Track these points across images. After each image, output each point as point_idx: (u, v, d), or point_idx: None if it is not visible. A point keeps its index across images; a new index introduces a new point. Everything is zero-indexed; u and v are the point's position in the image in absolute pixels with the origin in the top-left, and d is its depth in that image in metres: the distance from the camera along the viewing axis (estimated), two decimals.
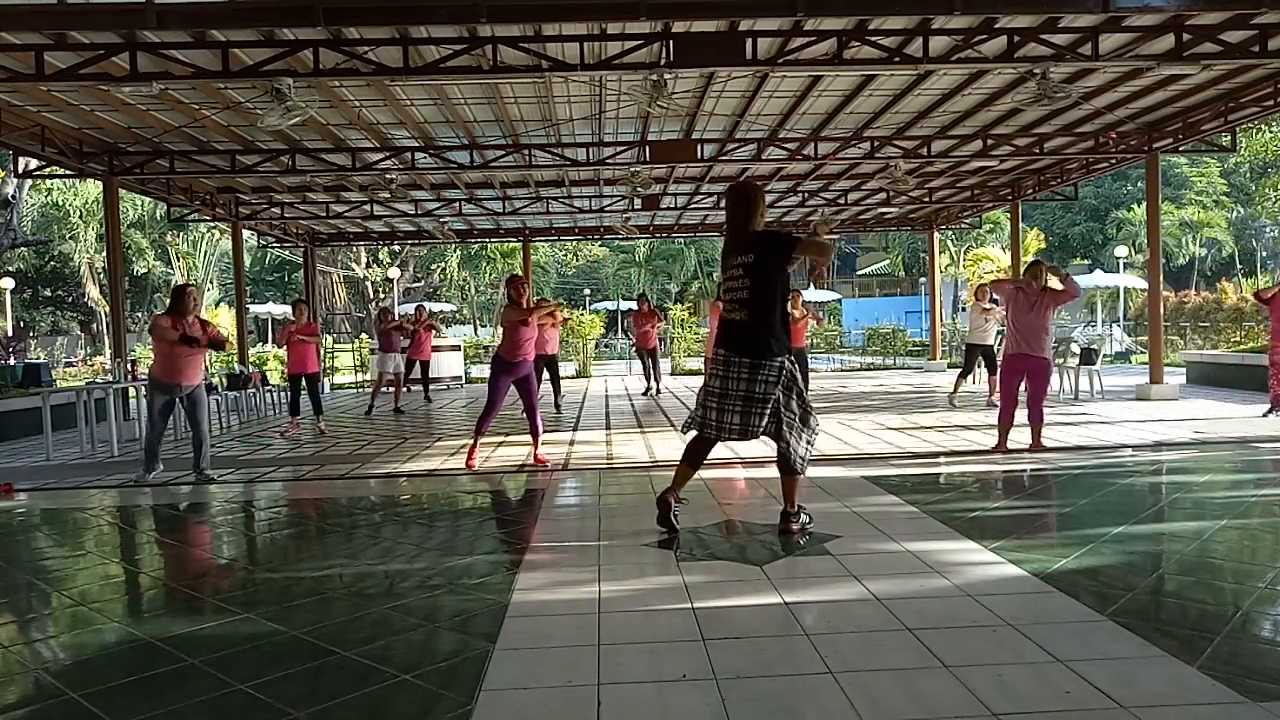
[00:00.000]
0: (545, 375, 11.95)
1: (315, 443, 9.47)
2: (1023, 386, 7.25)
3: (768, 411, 4.29)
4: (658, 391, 14.23)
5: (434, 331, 14.02)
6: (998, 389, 10.60)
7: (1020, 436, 7.36)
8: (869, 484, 5.87)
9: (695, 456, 4.61)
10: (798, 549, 4.24)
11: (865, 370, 20.84)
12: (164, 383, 7.08)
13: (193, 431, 7.29)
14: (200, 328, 7.15)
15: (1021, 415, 7.26)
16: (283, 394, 11.22)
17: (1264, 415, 9.23)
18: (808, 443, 4.41)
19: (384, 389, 13.41)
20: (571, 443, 8.85)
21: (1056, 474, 6.26)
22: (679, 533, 4.54)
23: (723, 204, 16.00)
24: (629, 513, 5.02)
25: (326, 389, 18.25)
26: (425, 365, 14.24)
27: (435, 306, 31.44)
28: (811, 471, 6.33)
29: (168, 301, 7.56)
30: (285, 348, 10.85)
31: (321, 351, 18.58)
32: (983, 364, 11.65)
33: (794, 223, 20.08)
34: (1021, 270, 8.18)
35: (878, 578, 3.70)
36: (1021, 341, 7.10)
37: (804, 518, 4.55)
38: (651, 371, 14.42)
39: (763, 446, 6.12)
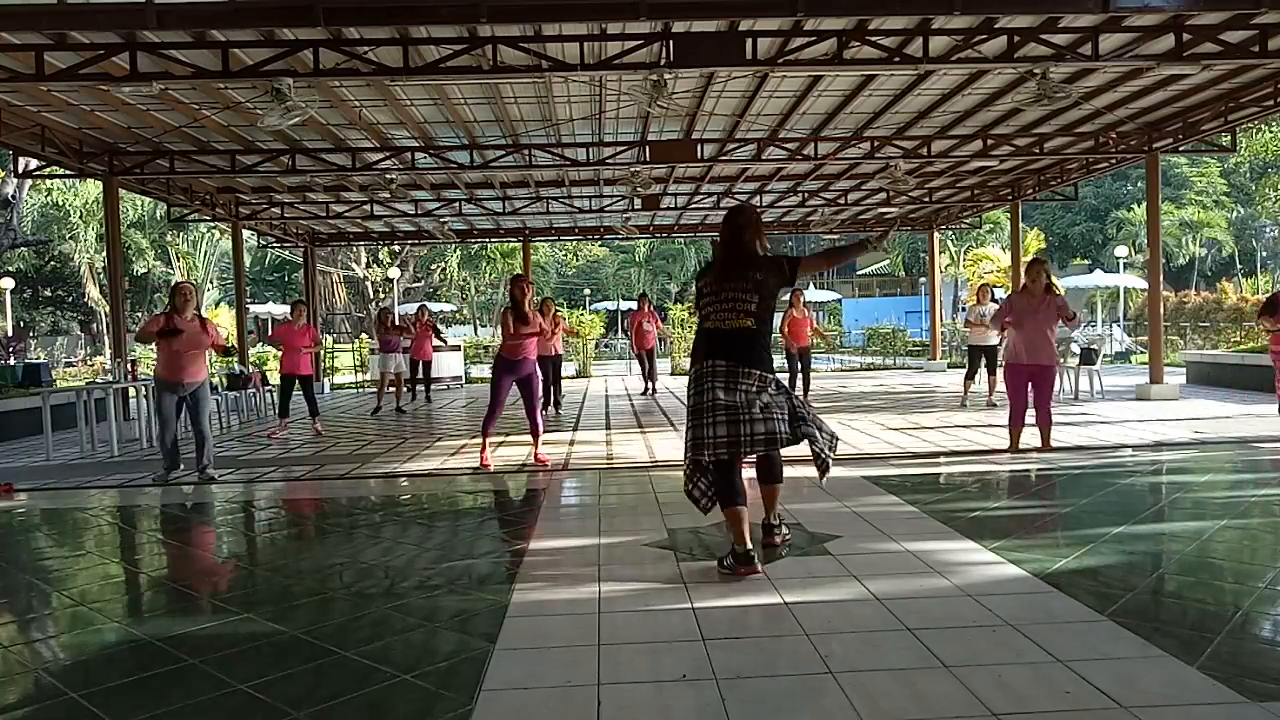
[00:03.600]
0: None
1: (315, 443, 9.47)
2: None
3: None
4: (654, 392, 14.25)
5: (434, 332, 13.99)
6: (997, 389, 10.61)
7: (1028, 437, 7.34)
8: (869, 484, 5.87)
9: (736, 492, 3.85)
10: (798, 549, 4.24)
11: (865, 370, 20.84)
12: (165, 380, 7.11)
13: (194, 431, 7.31)
14: (200, 325, 7.16)
15: (1029, 415, 7.22)
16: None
17: None
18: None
19: (388, 388, 13.41)
20: (572, 443, 8.85)
21: (1057, 474, 6.26)
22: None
23: (723, 204, 16.10)
24: (629, 512, 5.02)
25: (326, 389, 18.26)
26: (427, 365, 14.27)
27: (435, 306, 31.42)
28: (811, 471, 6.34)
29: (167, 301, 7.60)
30: (280, 349, 10.61)
31: (320, 355, 18.57)
32: (985, 365, 11.64)
33: (794, 223, 20.13)
34: (1022, 270, 8.01)
35: (878, 578, 3.70)
36: (1024, 350, 6.90)
37: (785, 530, 4.30)
38: (649, 371, 14.46)
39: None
